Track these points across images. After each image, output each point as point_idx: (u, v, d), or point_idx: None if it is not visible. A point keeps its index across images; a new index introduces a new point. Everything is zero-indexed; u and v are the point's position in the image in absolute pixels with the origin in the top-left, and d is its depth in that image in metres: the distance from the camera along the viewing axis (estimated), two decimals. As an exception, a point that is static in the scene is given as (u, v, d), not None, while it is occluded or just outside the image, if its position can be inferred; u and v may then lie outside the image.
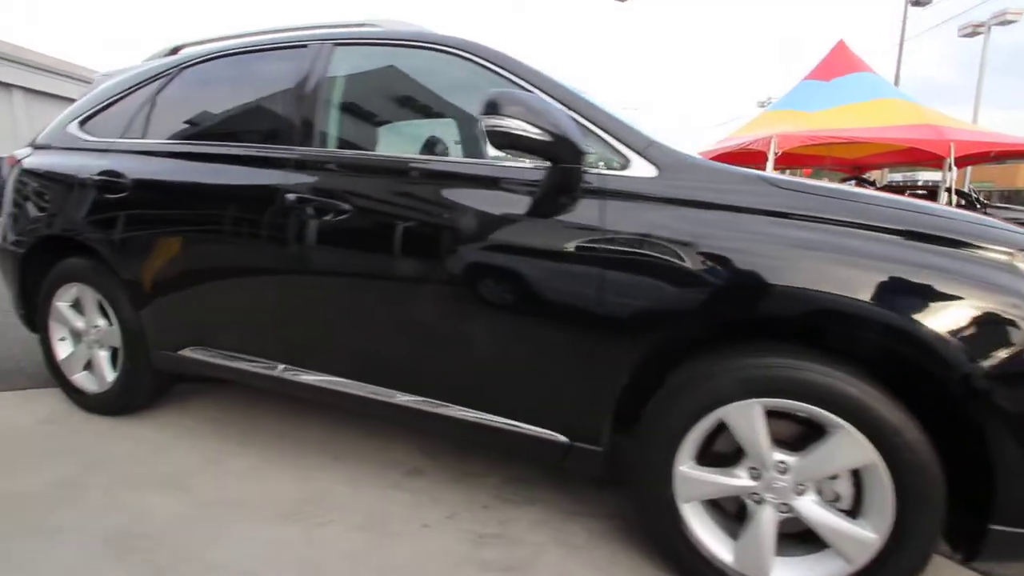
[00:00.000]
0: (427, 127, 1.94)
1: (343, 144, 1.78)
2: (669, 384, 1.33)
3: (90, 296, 2.17)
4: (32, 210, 2.28)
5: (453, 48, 1.66)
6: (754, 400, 1.25)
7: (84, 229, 2.09)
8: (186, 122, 2.08)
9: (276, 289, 1.76)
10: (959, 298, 1.12)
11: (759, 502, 1.31)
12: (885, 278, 1.15)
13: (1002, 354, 1.09)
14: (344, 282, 1.66)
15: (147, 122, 2.11)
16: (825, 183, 1.40)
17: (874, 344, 1.18)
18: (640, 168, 1.38)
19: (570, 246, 1.37)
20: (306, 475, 1.89)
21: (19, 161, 2.39)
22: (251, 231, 1.78)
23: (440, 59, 1.71)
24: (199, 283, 1.92)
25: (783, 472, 1.28)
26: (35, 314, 2.38)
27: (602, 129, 1.42)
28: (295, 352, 1.79)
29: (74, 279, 2.19)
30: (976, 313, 1.11)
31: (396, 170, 1.62)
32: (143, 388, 2.18)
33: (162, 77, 2.14)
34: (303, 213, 1.67)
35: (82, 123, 2.28)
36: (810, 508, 1.27)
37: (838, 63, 10.34)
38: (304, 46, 1.89)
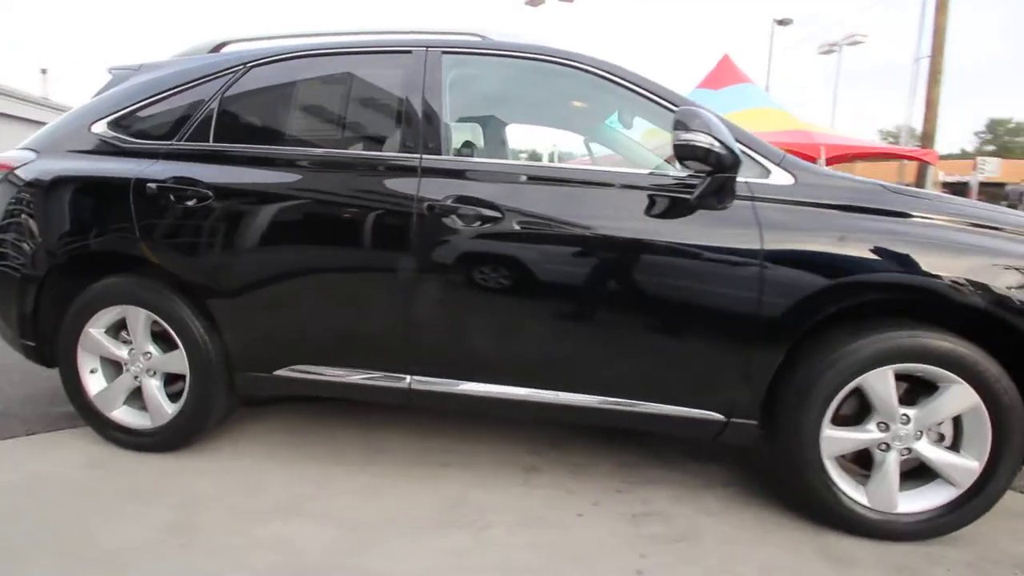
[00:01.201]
0: (543, 134, 2.02)
1: (464, 151, 1.80)
2: (815, 361, 1.57)
3: (141, 319, 1.93)
4: (53, 224, 1.96)
5: (573, 62, 1.77)
6: (888, 367, 1.54)
7: (146, 244, 1.86)
8: (271, 125, 1.94)
9: (408, 299, 1.73)
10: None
11: (886, 450, 1.60)
12: (986, 262, 1.49)
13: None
14: (497, 289, 1.69)
15: (213, 124, 1.93)
16: (924, 190, 1.73)
17: (976, 310, 1.51)
18: (779, 177, 1.61)
19: (732, 244, 1.56)
20: (426, 485, 1.88)
21: (14, 168, 2.03)
22: (378, 240, 1.74)
23: (557, 71, 1.81)
24: (306, 297, 1.81)
25: (906, 423, 1.58)
26: (48, 345, 2.06)
27: (743, 143, 1.63)
28: (432, 363, 1.78)
29: (118, 301, 1.93)
30: None
31: (551, 178, 1.70)
32: (212, 417, 1.99)
33: (222, 75, 1.95)
34: (446, 221, 1.68)
35: (114, 123, 2.01)
36: (928, 449, 1.59)
37: (724, 75, 11.78)
38: (408, 51, 1.87)
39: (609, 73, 1.74)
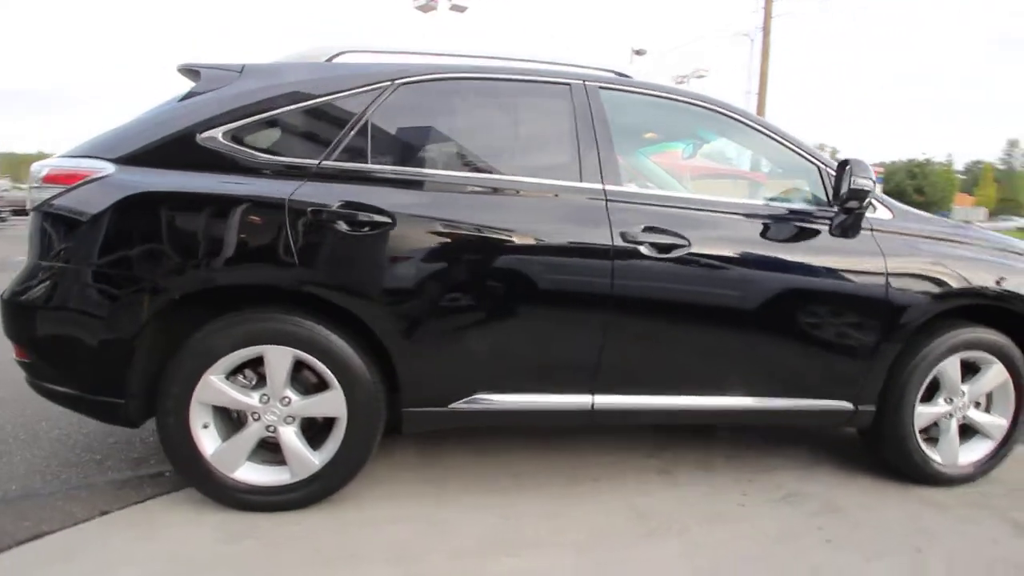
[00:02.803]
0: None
1: (639, 182, 1.92)
2: (914, 355, 2.02)
3: (287, 360, 1.69)
4: (163, 253, 1.62)
5: (726, 111, 2.02)
6: (958, 355, 2.05)
7: (309, 274, 1.64)
8: (434, 148, 1.83)
9: (603, 325, 1.80)
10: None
11: (950, 418, 2.12)
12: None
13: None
14: (682, 312, 1.84)
15: (369, 143, 1.76)
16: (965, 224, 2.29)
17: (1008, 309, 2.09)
18: (882, 212, 2.03)
19: (866, 266, 1.93)
20: (597, 500, 1.95)
21: (89, 181, 1.63)
22: (572, 269, 1.78)
23: (700, 113, 2.04)
24: (494, 326, 1.77)
25: (962, 396, 2.11)
26: (135, 401, 1.69)
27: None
28: (618, 383, 1.86)
29: (257, 341, 1.67)
30: None
31: (720, 210, 1.90)
32: (362, 460, 1.81)
33: (368, 90, 1.79)
34: (641, 249, 1.79)
35: (234, 135, 1.71)
36: (976, 414, 2.13)
37: None
38: (567, 84, 1.93)
39: (751, 121, 2.02)
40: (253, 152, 1.72)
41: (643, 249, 1.80)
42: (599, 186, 1.84)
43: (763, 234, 1.92)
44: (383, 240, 1.68)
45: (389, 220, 1.68)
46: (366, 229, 1.67)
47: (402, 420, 1.79)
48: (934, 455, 2.11)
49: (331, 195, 1.68)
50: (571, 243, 1.78)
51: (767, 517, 1.90)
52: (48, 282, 1.66)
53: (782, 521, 1.88)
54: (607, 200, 1.83)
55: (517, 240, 1.76)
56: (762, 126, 2.05)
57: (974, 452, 2.16)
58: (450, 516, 1.81)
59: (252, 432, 1.73)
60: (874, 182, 1.82)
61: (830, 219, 1.97)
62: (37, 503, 1.76)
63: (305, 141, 1.77)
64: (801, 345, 1.95)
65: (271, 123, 1.76)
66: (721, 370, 1.95)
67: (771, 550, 1.72)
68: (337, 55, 1.93)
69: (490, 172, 1.82)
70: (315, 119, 1.78)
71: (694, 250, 1.83)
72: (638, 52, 18.41)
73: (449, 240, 1.73)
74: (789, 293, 1.91)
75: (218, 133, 1.71)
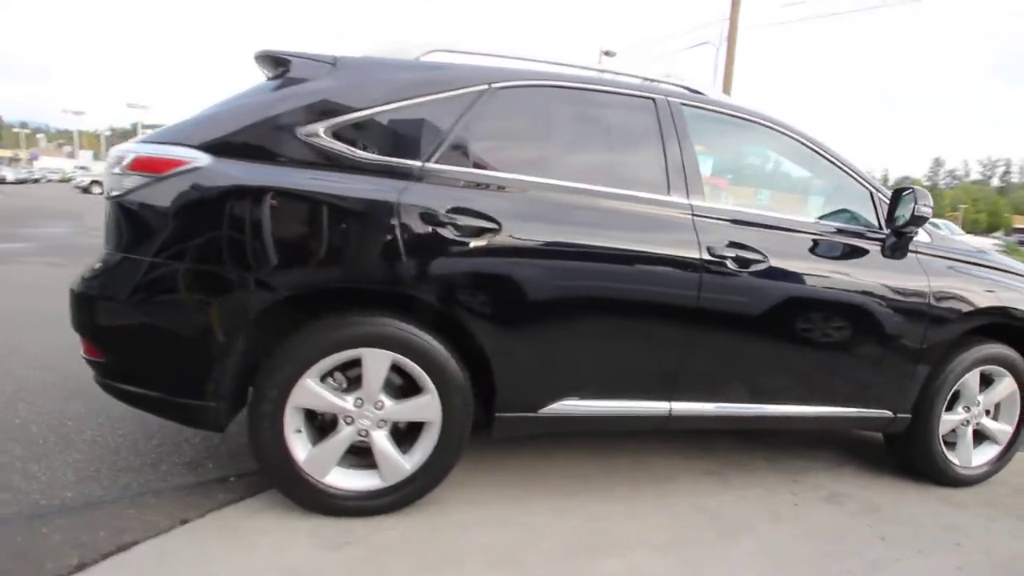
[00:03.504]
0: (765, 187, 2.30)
1: (700, 196, 1.99)
2: (945, 368, 2.21)
3: (384, 363, 1.66)
4: (269, 251, 1.55)
5: (787, 130, 2.14)
6: (979, 368, 2.27)
7: (417, 278, 1.62)
8: (531, 154, 1.84)
9: (688, 334, 1.88)
10: None
11: (966, 424, 2.33)
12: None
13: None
14: (751, 320, 1.94)
15: (470, 147, 1.76)
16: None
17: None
18: (923, 236, 2.21)
19: (911, 284, 2.10)
20: (665, 503, 2.03)
21: (184, 169, 1.54)
22: (662, 279, 1.84)
23: (764, 133, 2.16)
24: (589, 332, 1.81)
25: (978, 406, 2.33)
26: (225, 404, 1.62)
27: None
28: (695, 390, 1.95)
29: (357, 343, 1.64)
30: None
31: (791, 228, 2.02)
32: (452, 465, 1.81)
33: (466, 93, 1.78)
34: (726, 264, 1.87)
35: (336, 131, 1.66)
36: (988, 421, 2.36)
37: None
38: (651, 99, 1.99)
39: (813, 144, 2.15)
40: (355, 150, 1.68)
41: (728, 264, 1.89)
42: (686, 200, 1.92)
43: (826, 253, 2.06)
44: (489, 246, 1.68)
45: (496, 226, 1.69)
46: (473, 235, 1.67)
47: (494, 425, 1.80)
48: (953, 458, 2.33)
49: (438, 199, 1.67)
50: (663, 255, 1.84)
51: (819, 516, 2.05)
52: (133, 276, 1.56)
53: (833, 520, 2.03)
54: (694, 215, 1.91)
55: (613, 251, 1.81)
56: (822, 149, 2.19)
57: (984, 456, 2.40)
58: (534, 519, 1.84)
59: (344, 436, 1.70)
60: (931, 209, 1.99)
61: (881, 240, 2.13)
62: (106, 512, 1.66)
63: (406, 141, 1.74)
64: (856, 357, 2.11)
65: (372, 121, 1.72)
66: (787, 380, 2.08)
67: (833, 548, 1.85)
68: (427, 53, 1.91)
69: (584, 181, 1.85)
70: (415, 119, 1.75)
71: (771, 265, 1.94)
72: (607, 53, 18.71)
73: (549, 249, 1.75)
74: (847, 308, 2.05)
75: (319, 128, 1.66)
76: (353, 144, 1.68)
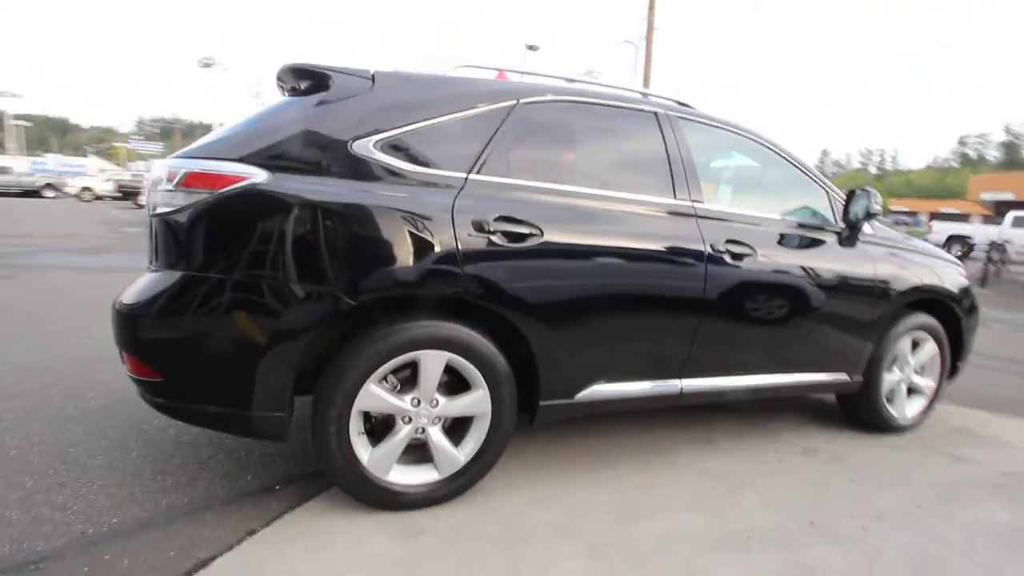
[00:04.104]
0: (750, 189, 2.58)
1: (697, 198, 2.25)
2: (888, 335, 2.64)
3: (441, 363, 1.77)
4: (336, 262, 1.60)
5: (754, 137, 2.46)
6: (910, 334, 2.73)
7: (472, 283, 1.73)
8: (556, 164, 1.98)
9: (697, 320, 2.13)
10: (951, 275, 2.85)
11: (901, 383, 2.80)
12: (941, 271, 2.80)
13: (965, 289, 2.89)
14: (745, 304, 2.23)
15: (508, 158, 1.88)
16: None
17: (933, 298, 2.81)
18: (867, 227, 2.62)
19: (863, 268, 2.50)
20: (668, 471, 2.29)
21: (248, 184, 1.55)
22: (675, 274, 2.07)
23: (740, 141, 2.46)
24: (617, 323, 2.01)
25: (910, 366, 2.80)
26: (290, 413, 1.66)
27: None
28: (702, 368, 2.21)
29: (417, 346, 1.72)
30: (963, 280, 2.88)
31: (782, 228, 2.35)
32: (499, 455, 1.94)
33: (497, 107, 1.90)
34: (725, 258, 2.14)
35: (385, 145, 1.72)
36: (919, 378, 2.84)
37: None
38: (653, 112, 2.21)
39: (777, 149, 2.49)
40: (405, 164, 1.75)
41: (726, 257, 2.16)
42: (689, 202, 2.17)
43: (799, 244, 2.40)
44: (532, 250, 1.83)
45: (538, 231, 1.84)
46: (519, 240, 1.81)
47: (538, 413, 1.96)
48: (893, 411, 2.79)
49: (486, 208, 1.79)
50: (677, 251, 2.08)
51: (801, 467, 2.40)
52: (196, 292, 1.55)
53: (813, 470, 2.38)
54: (697, 216, 2.16)
55: (635, 249, 2.02)
56: (786, 154, 2.53)
57: (915, 408, 2.88)
58: (574, 495, 2.02)
59: (404, 435, 1.79)
60: (881, 207, 2.39)
61: (837, 232, 2.51)
62: (164, 532, 1.63)
63: (449, 154, 1.83)
64: (824, 331, 2.48)
65: (417, 135, 1.79)
66: (773, 353, 2.40)
67: (822, 491, 2.19)
68: (457, 68, 2.02)
69: (605, 188, 2.04)
70: (456, 133, 1.85)
71: (759, 257, 2.24)
72: (531, 47, 19.13)
73: (583, 250, 1.93)
74: (819, 290, 2.41)
75: (370, 143, 1.72)
76: (401, 158, 1.76)
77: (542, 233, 1.84)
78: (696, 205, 2.18)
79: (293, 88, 1.88)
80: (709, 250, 2.13)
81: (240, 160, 1.60)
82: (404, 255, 1.68)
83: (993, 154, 76.75)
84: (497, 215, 1.79)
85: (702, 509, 2.00)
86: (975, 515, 2.09)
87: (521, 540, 1.73)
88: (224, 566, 1.51)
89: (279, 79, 1.95)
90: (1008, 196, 25.46)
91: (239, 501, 1.83)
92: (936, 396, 2.92)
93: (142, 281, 1.63)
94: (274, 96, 1.99)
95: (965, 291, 2.88)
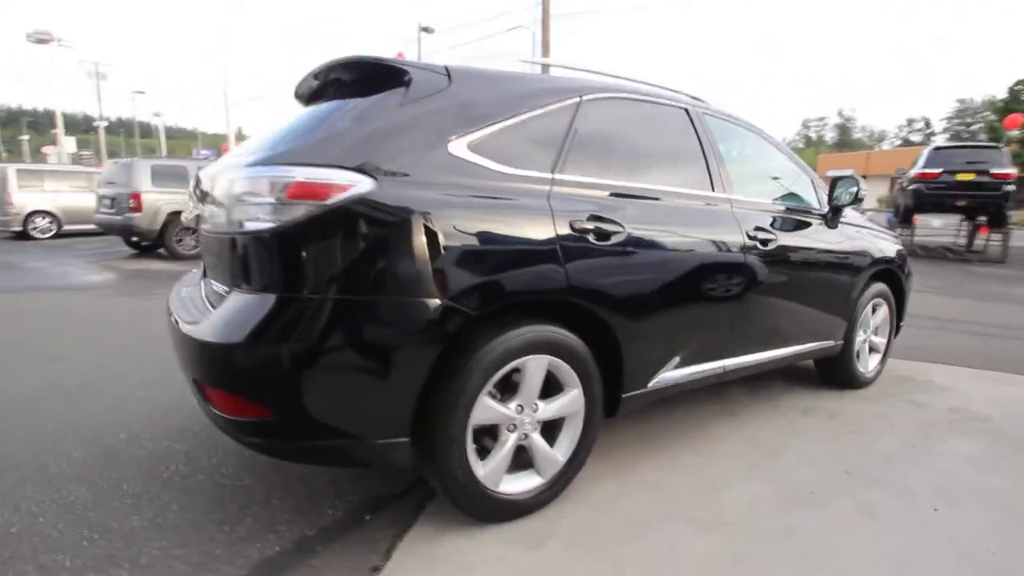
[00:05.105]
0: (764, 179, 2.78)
1: (723, 188, 2.43)
2: (859, 300, 3.04)
3: (543, 368, 1.75)
4: (454, 273, 1.52)
5: (754, 129, 2.70)
6: (871, 302, 3.17)
7: (575, 284, 1.72)
8: (618, 161, 2.01)
9: (736, 305, 2.30)
10: (894, 246, 3.35)
11: (865, 343, 3.26)
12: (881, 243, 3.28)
13: (904, 258, 3.41)
14: (769, 287, 2.45)
15: (585, 156, 1.89)
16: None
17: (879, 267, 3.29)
18: (848, 210, 2.99)
19: (844, 246, 2.86)
20: (714, 446, 2.48)
21: (357, 194, 1.41)
22: (722, 263, 2.22)
23: (744, 134, 2.69)
24: (682, 311, 2.12)
25: (871, 328, 3.27)
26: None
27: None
28: (739, 348, 2.40)
29: (525, 352, 1.70)
30: (903, 250, 3.39)
31: (784, 213, 2.58)
32: (589, 451, 1.97)
33: (566, 104, 1.90)
34: (757, 245, 2.34)
35: (476, 146, 1.64)
36: (875, 338, 3.33)
37: None
38: (684, 108, 2.34)
39: (772, 141, 2.75)
40: (497, 164, 1.70)
41: (758, 244, 2.36)
42: (725, 195, 2.33)
43: (801, 228, 2.69)
44: (617, 247, 1.87)
45: (620, 228, 1.88)
46: (606, 237, 1.84)
47: (621, 405, 2.01)
48: (861, 368, 3.24)
49: (576, 207, 1.79)
50: (724, 242, 2.24)
51: (810, 428, 2.70)
52: (308, 317, 1.38)
53: (821, 427, 2.70)
54: (732, 207, 2.33)
55: (693, 240, 2.14)
56: (779, 145, 2.80)
57: (873, 363, 3.36)
58: (652, 479, 2.11)
59: (512, 444, 1.76)
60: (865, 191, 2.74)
61: (822, 215, 2.84)
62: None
63: (532, 153, 1.80)
64: (825, 303, 2.81)
65: (502, 134, 1.74)
66: (792, 327, 2.67)
67: (839, 445, 2.50)
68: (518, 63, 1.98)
69: (661, 183, 2.13)
70: (535, 131, 1.82)
71: (779, 242, 2.47)
72: (425, 29, 18.80)
73: (655, 244, 2.00)
74: (822, 267, 2.73)
75: (464, 143, 1.65)
76: (494, 158, 1.70)
77: (624, 230, 1.89)
78: (730, 197, 2.35)
79: (341, 82, 1.75)
80: (745, 239, 2.32)
81: (341, 167, 1.45)
82: (516, 260, 1.64)
83: (831, 135, 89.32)
84: (588, 214, 1.81)
85: (760, 475, 2.20)
86: (950, 448, 2.51)
87: (638, 528, 1.79)
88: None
89: (326, 71, 1.80)
90: (848, 172, 29.88)
91: (337, 539, 1.69)
92: (887, 352, 3.44)
93: (230, 307, 1.42)
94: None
95: (904, 260, 3.41)
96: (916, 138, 66.02)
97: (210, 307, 1.70)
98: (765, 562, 1.64)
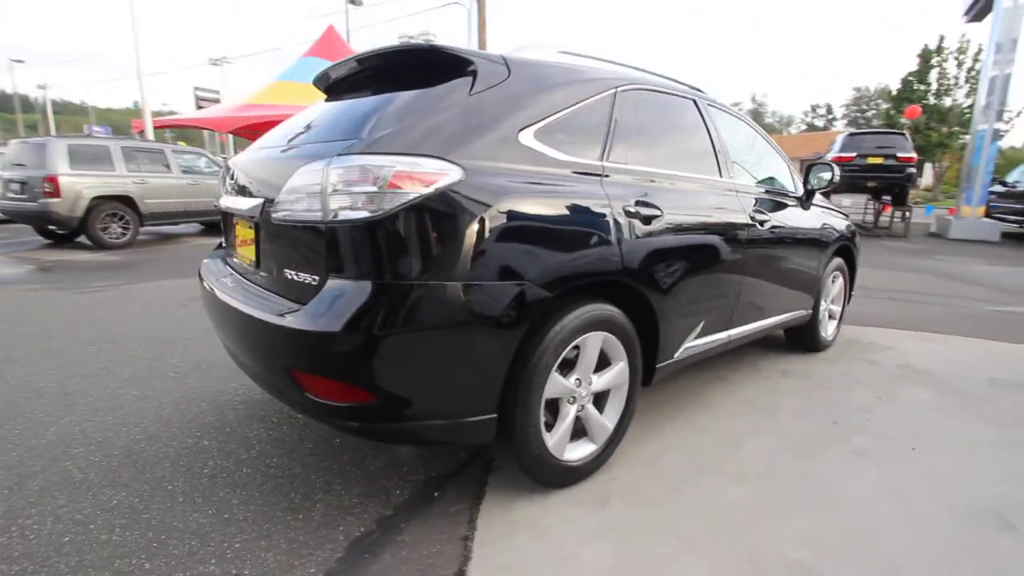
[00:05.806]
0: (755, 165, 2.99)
1: (723, 174, 2.65)
2: (826, 270, 3.42)
3: (600, 343, 1.89)
4: (535, 255, 1.61)
5: (747, 121, 2.93)
6: (832, 273, 3.57)
7: (628, 266, 1.86)
8: (648, 149, 2.15)
9: (741, 279, 2.54)
10: (844, 223, 3.76)
11: (825, 311, 3.66)
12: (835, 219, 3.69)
13: (855, 233, 3.84)
14: (763, 263, 2.72)
15: (626, 144, 2.02)
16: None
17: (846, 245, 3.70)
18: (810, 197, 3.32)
19: (815, 223, 3.19)
20: (718, 409, 2.74)
21: (452, 183, 1.46)
22: (733, 238, 2.45)
23: (739, 125, 2.93)
24: (706, 287, 2.33)
25: (831, 297, 3.67)
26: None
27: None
28: (741, 319, 2.64)
29: (586, 330, 1.82)
30: (853, 227, 3.81)
31: (772, 195, 2.83)
32: (632, 417, 2.14)
33: (605, 95, 2.00)
34: (757, 224, 2.58)
35: (541, 135, 1.72)
36: (833, 307, 3.74)
37: (333, 45, 13.16)
38: (694, 100, 2.51)
39: (756, 128, 3.02)
40: (559, 153, 1.78)
41: (756, 224, 2.60)
42: (730, 180, 2.55)
43: (785, 208, 2.97)
44: (658, 230, 2.02)
45: (659, 212, 2.03)
46: (648, 221, 1.98)
47: (655, 374, 2.19)
48: (823, 334, 3.64)
49: (625, 193, 1.92)
50: (735, 222, 2.46)
51: (792, 387, 3.04)
52: (408, 303, 1.42)
53: (801, 386, 3.05)
54: (737, 191, 2.55)
55: (713, 222, 2.35)
56: (762, 134, 3.07)
57: (831, 328, 3.79)
58: (679, 438, 2.33)
59: (572, 415, 1.89)
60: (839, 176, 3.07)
61: (797, 197, 3.15)
62: (392, 564, 1.52)
63: (583, 141, 1.90)
64: (803, 275, 3.14)
65: (560, 123, 1.82)
66: (779, 298, 2.97)
67: (820, 400, 2.84)
68: (558, 54, 2.06)
69: (684, 170, 2.30)
70: (585, 120, 1.92)
71: (773, 222, 2.74)
72: (352, 2, 18.08)
73: (687, 226, 2.19)
74: (802, 243, 3.03)
75: (531, 132, 1.72)
76: (557, 147, 1.78)
77: (662, 213, 2.04)
78: (735, 182, 2.57)
79: (393, 69, 1.79)
80: (747, 219, 2.55)
81: (434, 156, 1.49)
82: (585, 243, 1.75)
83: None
84: (635, 199, 1.94)
85: (765, 430, 2.47)
86: (909, 397, 2.92)
87: (681, 483, 1.98)
88: (481, 570, 1.49)
89: (376, 57, 1.81)
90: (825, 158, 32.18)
91: (416, 515, 1.75)
92: (841, 318, 3.88)
93: (329, 296, 1.42)
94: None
95: (854, 235, 3.83)
96: (819, 123, 71.62)
97: (270, 294, 1.69)
98: (796, 504, 1.89)
